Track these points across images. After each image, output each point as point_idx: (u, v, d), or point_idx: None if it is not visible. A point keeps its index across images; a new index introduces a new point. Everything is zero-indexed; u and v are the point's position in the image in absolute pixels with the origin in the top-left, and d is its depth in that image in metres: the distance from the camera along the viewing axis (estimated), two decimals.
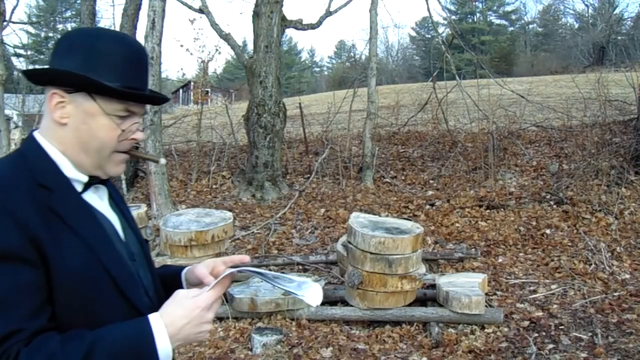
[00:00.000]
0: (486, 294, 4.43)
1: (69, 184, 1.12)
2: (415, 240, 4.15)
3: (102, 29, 1.22)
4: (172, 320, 1.07)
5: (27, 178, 1.07)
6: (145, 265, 1.26)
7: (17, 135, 7.04)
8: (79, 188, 1.14)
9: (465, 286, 4.26)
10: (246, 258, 1.29)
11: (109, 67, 1.12)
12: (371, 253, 4.06)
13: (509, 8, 46.81)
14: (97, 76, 1.09)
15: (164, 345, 1.04)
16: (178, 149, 10.75)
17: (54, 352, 0.97)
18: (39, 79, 1.16)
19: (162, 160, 1.34)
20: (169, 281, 1.32)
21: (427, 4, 9.82)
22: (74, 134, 1.12)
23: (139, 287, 1.18)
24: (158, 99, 1.24)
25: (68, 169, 1.13)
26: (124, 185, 8.65)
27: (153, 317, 1.06)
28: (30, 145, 1.14)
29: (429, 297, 4.47)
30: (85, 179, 1.15)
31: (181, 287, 1.30)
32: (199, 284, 1.25)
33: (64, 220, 1.06)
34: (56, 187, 1.09)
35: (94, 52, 1.11)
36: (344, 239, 4.72)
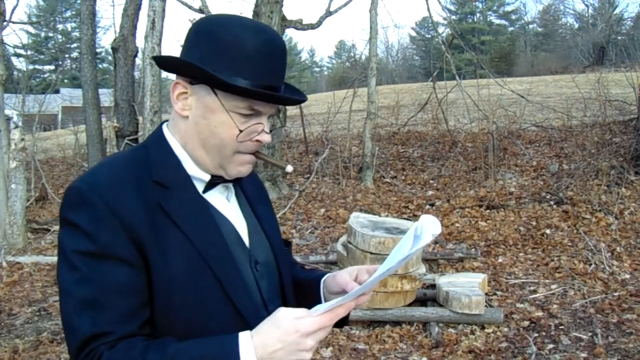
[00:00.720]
0: (486, 294, 4.43)
1: (188, 182, 1.05)
2: None
3: (236, 17, 1.06)
4: (264, 342, 0.92)
5: (142, 174, 1.02)
6: (272, 275, 1.14)
7: (17, 135, 7.02)
8: (200, 187, 1.06)
9: (465, 286, 4.26)
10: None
11: (233, 60, 1.00)
12: (371, 253, 4.06)
13: (509, 8, 46.80)
14: (219, 69, 0.99)
15: None
16: None
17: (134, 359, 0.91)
18: (165, 67, 1.08)
19: (289, 168, 1.12)
20: (304, 287, 1.20)
21: (427, 4, 9.83)
22: (194, 128, 1.04)
23: (253, 297, 1.07)
24: (290, 100, 1.08)
25: (190, 166, 1.06)
26: None
27: (243, 336, 0.93)
28: (155, 138, 1.08)
29: (429, 297, 4.47)
30: (207, 177, 1.06)
31: (318, 295, 1.18)
32: (340, 292, 1.11)
33: (174, 220, 1.00)
34: (173, 185, 1.02)
35: (219, 43, 1.01)
36: (344, 239, 4.72)
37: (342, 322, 1.08)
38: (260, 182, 1.27)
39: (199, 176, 1.06)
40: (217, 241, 1.04)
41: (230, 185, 1.12)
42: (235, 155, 1.05)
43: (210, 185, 1.07)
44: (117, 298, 0.94)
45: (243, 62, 1.00)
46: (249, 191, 1.17)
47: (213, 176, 1.07)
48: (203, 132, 1.04)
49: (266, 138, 1.06)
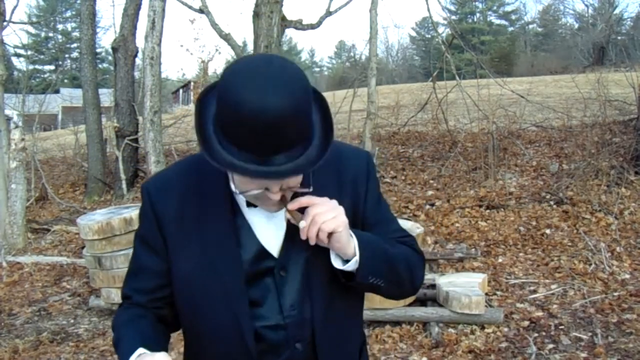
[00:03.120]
0: (486, 294, 4.43)
1: (227, 198, 1.14)
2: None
3: (247, 72, 0.99)
4: None
5: (190, 183, 1.17)
6: (300, 279, 1.18)
7: (17, 135, 7.02)
8: (242, 201, 1.14)
9: (465, 286, 4.26)
10: None
11: (230, 127, 0.98)
12: None
13: (509, 8, 46.82)
14: (222, 131, 1.00)
15: None
16: (178, 149, 10.75)
17: (117, 324, 1.22)
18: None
19: (302, 224, 1.08)
20: None
21: (427, 4, 9.82)
22: None
23: (267, 303, 1.17)
24: (276, 173, 1.00)
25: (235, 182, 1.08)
26: (124, 186, 8.67)
27: (134, 356, 1.09)
28: None
29: (429, 297, 4.47)
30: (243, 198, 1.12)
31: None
32: None
33: (200, 228, 1.14)
34: (212, 198, 1.15)
35: (221, 105, 0.99)
36: None
37: None
38: (341, 167, 1.24)
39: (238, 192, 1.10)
40: (228, 249, 1.15)
41: None
42: (258, 201, 1.11)
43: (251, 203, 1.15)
44: (142, 274, 1.21)
45: (233, 129, 0.98)
46: (313, 182, 1.12)
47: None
48: None
49: (274, 197, 1.06)
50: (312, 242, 1.09)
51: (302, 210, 1.10)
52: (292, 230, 1.14)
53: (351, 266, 1.12)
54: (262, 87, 0.95)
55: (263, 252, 1.16)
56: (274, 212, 1.14)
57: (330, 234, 1.08)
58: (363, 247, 1.12)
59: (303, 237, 1.08)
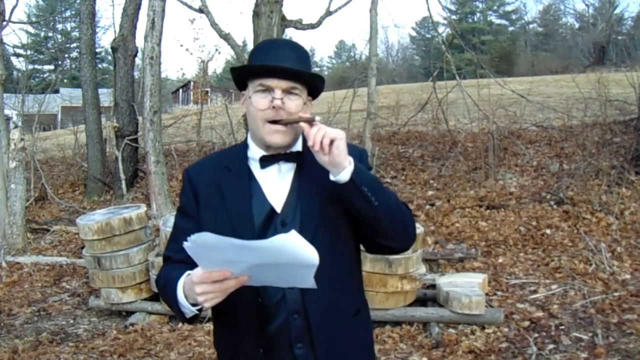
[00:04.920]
0: (486, 294, 4.43)
1: (245, 165, 1.49)
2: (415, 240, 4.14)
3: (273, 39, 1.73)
4: (185, 283, 1.35)
5: (221, 161, 1.53)
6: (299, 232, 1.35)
7: (16, 135, 7.01)
8: (256, 166, 1.47)
9: (466, 286, 4.25)
10: None
11: (252, 56, 1.50)
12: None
13: (509, 8, 46.82)
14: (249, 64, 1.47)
15: (180, 294, 1.37)
16: (178, 149, 10.74)
17: (162, 274, 1.49)
18: (235, 79, 1.52)
19: (317, 118, 1.37)
20: None
21: (427, 4, 9.81)
22: (248, 118, 1.49)
23: None
24: (281, 70, 1.39)
25: (254, 150, 1.49)
26: (123, 186, 8.66)
27: (184, 276, 1.36)
28: (246, 137, 1.56)
29: (429, 297, 4.47)
30: (258, 156, 1.47)
31: None
32: None
33: (224, 195, 1.46)
34: (235, 168, 1.49)
35: (251, 51, 1.54)
36: None
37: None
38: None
39: (255, 157, 1.48)
40: (243, 207, 1.44)
41: (288, 163, 1.47)
42: (265, 126, 1.42)
43: (264, 163, 1.46)
44: (180, 237, 1.34)
45: (254, 55, 1.50)
46: (311, 159, 1.39)
47: (264, 156, 1.46)
48: (249, 118, 1.48)
49: (277, 103, 1.39)
50: (317, 146, 1.31)
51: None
52: (293, 190, 1.45)
53: (346, 175, 1.33)
54: (274, 40, 1.66)
55: (270, 210, 1.44)
56: (278, 141, 1.42)
57: (331, 142, 1.31)
58: (357, 164, 1.35)
59: (310, 142, 1.32)
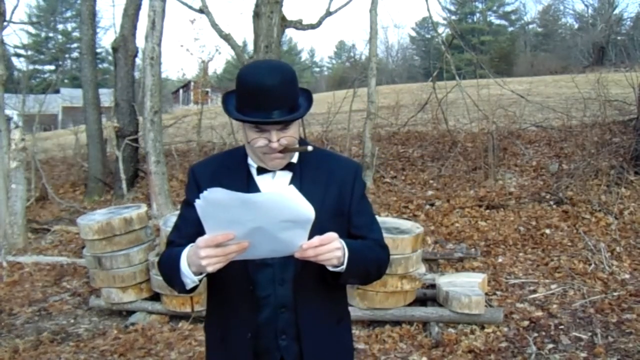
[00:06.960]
0: (486, 293, 4.44)
1: (245, 168, 1.61)
2: (415, 240, 4.15)
3: (258, 62, 1.56)
4: (188, 251, 1.45)
5: (221, 163, 1.65)
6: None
7: (17, 135, 7.02)
8: (254, 171, 1.59)
9: (465, 286, 4.26)
10: None
11: (241, 97, 1.50)
12: None
13: (508, 8, 46.86)
14: (239, 103, 1.51)
15: (183, 263, 1.46)
16: (178, 149, 10.75)
17: (165, 255, 1.60)
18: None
19: (310, 148, 1.54)
20: None
21: (427, 4, 9.83)
22: (245, 142, 1.58)
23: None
24: (269, 122, 1.46)
25: (252, 159, 1.59)
26: (124, 185, 8.66)
27: (187, 246, 1.47)
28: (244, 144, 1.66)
29: (429, 297, 4.48)
30: (255, 165, 1.58)
31: None
32: None
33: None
34: (234, 168, 1.62)
35: (238, 84, 1.51)
36: None
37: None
38: (332, 168, 1.65)
39: (254, 164, 1.59)
40: None
41: (282, 172, 1.58)
42: (265, 155, 1.53)
43: (260, 171, 1.58)
44: (183, 225, 1.61)
45: (245, 98, 1.49)
46: (306, 173, 1.59)
47: (259, 167, 1.58)
48: (245, 142, 1.58)
49: (274, 146, 1.49)
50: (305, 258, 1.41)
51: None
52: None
53: (337, 269, 1.46)
54: (261, 69, 1.48)
55: None
56: (278, 166, 1.55)
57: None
58: (350, 260, 1.45)
59: (298, 256, 1.38)
